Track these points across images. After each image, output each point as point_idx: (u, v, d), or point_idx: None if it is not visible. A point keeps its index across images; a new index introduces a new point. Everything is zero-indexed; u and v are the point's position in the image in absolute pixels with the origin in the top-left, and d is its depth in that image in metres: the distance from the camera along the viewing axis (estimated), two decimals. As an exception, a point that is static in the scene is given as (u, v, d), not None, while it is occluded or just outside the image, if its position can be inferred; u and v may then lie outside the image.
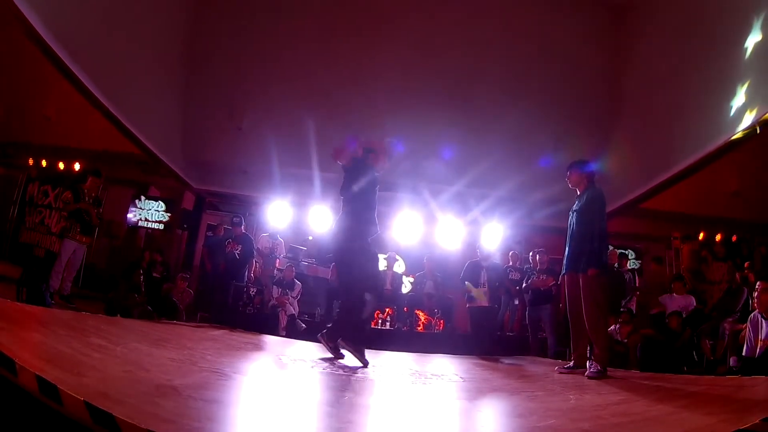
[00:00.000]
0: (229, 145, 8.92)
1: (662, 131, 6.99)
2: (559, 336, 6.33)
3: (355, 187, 4.05)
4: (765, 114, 4.96)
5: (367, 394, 2.66)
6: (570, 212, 4.32)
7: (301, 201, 8.82)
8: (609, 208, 6.41)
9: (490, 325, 6.73)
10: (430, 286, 7.91)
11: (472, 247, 7.66)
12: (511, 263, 7.58)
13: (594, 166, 4.47)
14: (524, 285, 7.01)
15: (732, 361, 5.10)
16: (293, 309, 7.33)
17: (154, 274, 7.58)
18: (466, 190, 8.63)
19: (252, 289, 7.57)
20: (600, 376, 3.72)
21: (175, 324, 6.04)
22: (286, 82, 8.52)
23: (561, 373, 4.09)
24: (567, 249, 4.25)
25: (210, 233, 9.22)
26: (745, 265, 6.82)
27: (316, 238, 9.17)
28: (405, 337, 7.07)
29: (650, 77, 7.36)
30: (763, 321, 4.68)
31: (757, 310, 4.80)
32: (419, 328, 7.76)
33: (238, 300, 7.41)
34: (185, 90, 8.66)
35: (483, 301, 6.52)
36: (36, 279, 5.73)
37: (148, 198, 9.97)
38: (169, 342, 3.69)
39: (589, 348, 4.02)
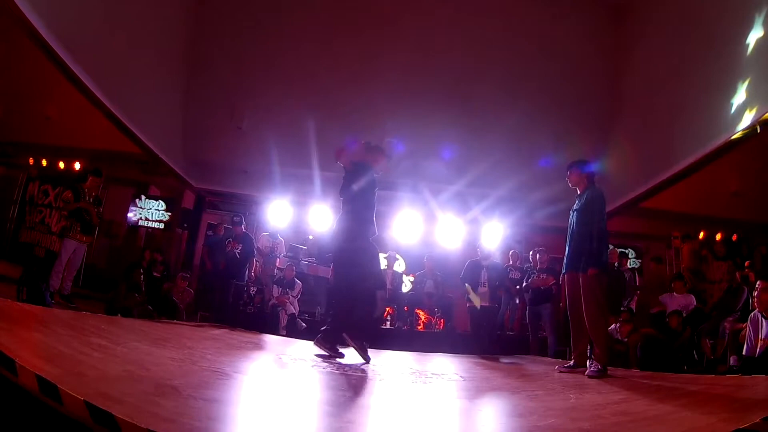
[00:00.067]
0: (229, 144, 8.93)
1: (662, 131, 6.99)
2: (560, 335, 6.33)
3: (355, 188, 4.08)
4: (765, 113, 4.96)
5: (368, 394, 2.66)
6: (570, 212, 4.32)
7: (302, 200, 8.83)
8: (609, 208, 6.43)
9: (490, 325, 6.73)
10: (430, 285, 7.91)
11: (472, 246, 7.66)
12: (511, 262, 7.58)
13: (594, 166, 4.47)
14: (524, 284, 7.01)
15: (732, 360, 5.10)
16: (293, 308, 7.33)
17: (155, 274, 7.58)
18: (466, 189, 8.64)
19: (252, 289, 7.57)
20: (600, 375, 3.72)
21: (175, 323, 6.04)
22: (286, 81, 8.53)
23: (561, 372, 4.09)
24: (567, 248, 4.25)
25: (210, 232, 9.22)
26: (746, 264, 6.82)
27: (317, 237, 9.17)
28: (405, 337, 7.07)
29: (650, 77, 7.36)
30: (764, 320, 4.67)
31: (757, 310, 4.80)
32: (419, 328, 7.77)
33: (239, 299, 7.42)
34: (186, 89, 8.68)
35: (483, 302, 6.52)
36: (36, 278, 5.73)
37: (149, 197, 9.98)
38: (170, 341, 3.69)
39: (589, 347, 4.02)
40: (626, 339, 5.95)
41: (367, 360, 3.78)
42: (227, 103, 8.75)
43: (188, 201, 10.12)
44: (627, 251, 9.10)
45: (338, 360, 3.74)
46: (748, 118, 5.22)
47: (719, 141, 5.71)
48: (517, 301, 7.62)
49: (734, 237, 8.15)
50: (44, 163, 9.27)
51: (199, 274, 8.81)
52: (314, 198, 8.64)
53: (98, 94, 6.33)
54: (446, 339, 7.23)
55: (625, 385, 3.39)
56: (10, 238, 9.00)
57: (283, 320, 7.07)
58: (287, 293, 7.37)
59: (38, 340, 2.53)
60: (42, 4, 5.09)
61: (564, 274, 4.26)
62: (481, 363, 4.93)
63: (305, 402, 2.23)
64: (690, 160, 6.29)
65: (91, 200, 6.50)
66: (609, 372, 3.82)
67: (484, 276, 6.59)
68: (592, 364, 3.85)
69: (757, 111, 5.10)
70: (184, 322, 6.47)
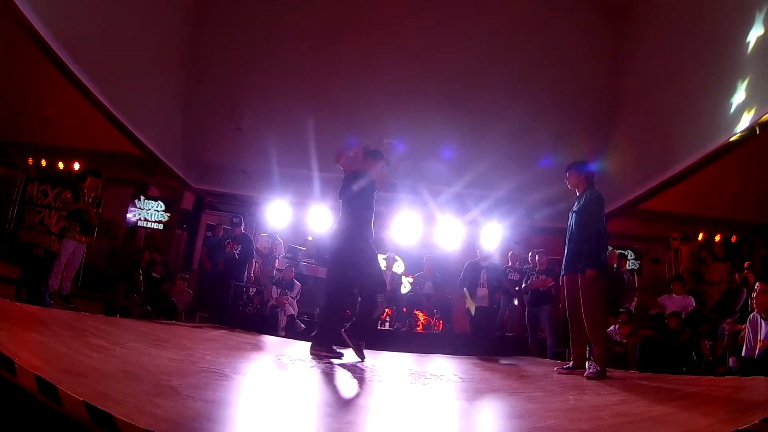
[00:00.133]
0: (228, 144, 8.93)
1: (662, 132, 6.99)
2: (559, 336, 6.33)
3: (355, 188, 4.12)
4: (764, 115, 4.97)
5: (367, 395, 2.66)
6: (569, 213, 4.33)
7: (301, 201, 8.83)
8: (608, 209, 6.43)
9: (489, 326, 6.73)
10: (429, 286, 7.90)
11: (471, 247, 7.66)
12: (510, 264, 7.57)
13: (593, 167, 4.48)
14: (523, 285, 7.00)
15: (731, 361, 5.10)
16: (292, 309, 7.32)
17: (154, 274, 7.57)
18: (465, 190, 8.64)
19: (251, 289, 7.57)
20: (599, 376, 3.72)
21: (174, 324, 6.03)
22: (286, 82, 8.53)
23: (560, 373, 4.09)
24: (566, 250, 4.26)
25: (209, 233, 9.20)
26: (745, 265, 6.82)
27: (316, 238, 9.16)
28: (404, 338, 7.06)
29: (650, 77, 7.37)
30: (762, 322, 4.68)
31: (756, 311, 4.80)
32: (418, 329, 7.76)
33: (238, 300, 7.41)
34: (185, 90, 8.68)
35: (483, 302, 6.52)
36: (35, 279, 5.73)
37: (148, 198, 9.97)
38: (169, 342, 3.69)
39: (588, 348, 4.02)
40: (625, 340, 5.94)
41: (362, 358, 3.89)
42: (227, 104, 8.74)
43: (187, 201, 10.11)
44: (626, 252, 9.09)
45: (337, 360, 3.76)
46: (747, 119, 5.22)
47: (719, 142, 5.71)
48: (516, 303, 7.62)
49: (733, 238, 8.14)
50: (43, 163, 9.25)
51: (198, 274, 8.80)
52: (313, 199, 8.63)
53: (98, 95, 6.33)
54: (445, 340, 7.23)
55: (624, 386, 3.40)
56: (9, 238, 8.99)
57: (282, 321, 7.06)
58: (286, 294, 7.36)
59: (37, 341, 2.53)
60: (42, 4, 5.09)
61: (563, 275, 4.26)
62: (480, 364, 4.93)
63: (304, 403, 2.23)
64: (690, 161, 6.30)
65: (91, 201, 6.50)
66: (608, 373, 3.82)
67: (483, 277, 6.60)
68: (591, 365, 3.86)
69: (756, 112, 5.11)
70: (183, 323, 6.47)
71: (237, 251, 7.59)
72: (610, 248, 6.71)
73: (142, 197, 9.94)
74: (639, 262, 9.78)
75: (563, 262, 4.28)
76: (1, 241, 8.96)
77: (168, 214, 9.95)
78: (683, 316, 6.16)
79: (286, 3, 8.57)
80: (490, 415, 2.50)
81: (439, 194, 8.76)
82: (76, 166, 9.13)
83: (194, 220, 10.03)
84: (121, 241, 9.92)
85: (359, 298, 4.15)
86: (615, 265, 7.10)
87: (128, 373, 2.15)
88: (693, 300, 6.54)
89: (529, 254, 7.32)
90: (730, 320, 5.65)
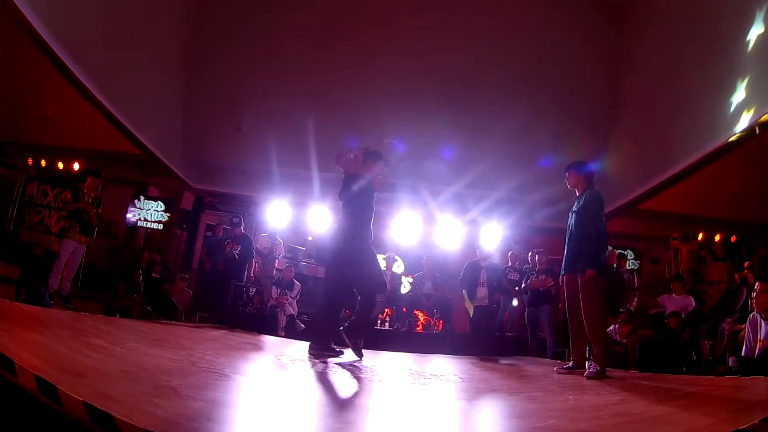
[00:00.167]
0: (228, 144, 8.93)
1: (662, 132, 6.99)
2: (558, 336, 6.33)
3: (354, 189, 4.16)
4: (764, 115, 4.97)
5: (366, 395, 2.66)
6: (569, 213, 4.33)
7: (301, 201, 8.83)
8: (608, 209, 6.43)
9: (489, 326, 6.73)
10: (429, 286, 7.91)
11: (471, 247, 7.66)
12: (510, 263, 7.57)
13: (592, 167, 4.48)
14: (523, 285, 7.00)
15: (731, 361, 5.10)
16: (292, 309, 7.32)
17: (153, 274, 7.56)
18: (465, 190, 8.64)
19: (251, 289, 7.57)
20: (599, 376, 3.72)
21: (174, 324, 6.03)
22: (286, 82, 8.52)
23: (560, 373, 4.09)
24: (566, 250, 4.26)
25: (209, 233, 9.21)
26: (745, 265, 6.82)
27: (316, 238, 9.17)
28: (404, 338, 7.06)
29: (650, 77, 7.37)
30: (762, 321, 4.68)
31: (756, 311, 4.80)
32: (418, 329, 7.76)
33: (238, 300, 7.41)
34: (185, 90, 8.68)
35: (482, 302, 6.52)
36: (35, 279, 5.73)
37: (148, 198, 9.97)
38: (168, 342, 3.69)
39: (588, 348, 4.03)
40: (625, 340, 5.95)
41: (360, 357, 3.96)
42: (226, 104, 8.74)
43: (187, 201, 10.11)
44: (626, 252, 9.10)
45: (336, 359, 3.77)
46: (747, 119, 5.22)
47: (719, 142, 5.71)
48: (516, 303, 7.62)
49: (733, 238, 8.15)
50: (43, 163, 9.25)
51: (198, 274, 8.80)
52: (313, 199, 8.63)
53: (97, 95, 6.33)
54: (445, 340, 7.23)
55: (623, 386, 3.39)
56: (9, 238, 8.99)
57: (282, 321, 7.06)
58: (286, 294, 7.36)
59: (37, 341, 2.53)
60: (42, 4, 5.09)
61: (563, 275, 4.26)
62: (480, 364, 4.93)
63: (304, 403, 2.23)
64: (689, 161, 6.30)
65: (90, 201, 6.50)
66: (608, 373, 3.82)
67: (483, 277, 6.59)
68: (590, 365, 3.86)
69: (755, 111, 5.11)
70: (183, 323, 6.47)
71: (237, 251, 7.59)
72: (609, 248, 6.71)
73: (142, 197, 9.95)
74: (639, 261, 9.79)
75: (563, 262, 4.28)
76: (1, 241, 8.96)
77: (168, 214, 9.95)
78: (683, 316, 6.16)
79: (286, 3, 8.57)
80: (490, 414, 2.50)
81: (439, 194, 8.76)
82: (76, 166, 9.13)
83: (194, 220, 10.03)
84: (120, 241, 9.92)
85: (359, 298, 4.18)
86: (615, 265, 7.11)
87: (128, 373, 2.15)
88: (693, 300, 6.54)
89: (529, 254, 7.32)
90: (729, 320, 5.65)
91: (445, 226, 8.90)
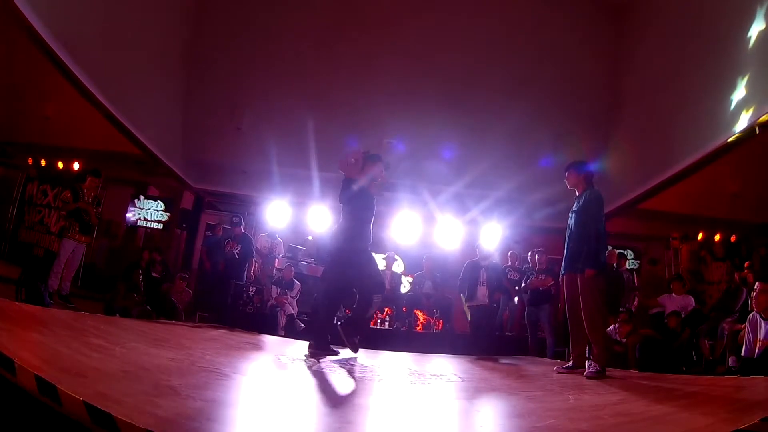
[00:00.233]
0: (228, 144, 8.93)
1: (662, 132, 6.99)
2: (558, 336, 6.33)
3: (354, 189, 4.22)
4: (763, 115, 4.97)
5: (366, 394, 2.66)
6: (569, 213, 4.33)
7: (301, 201, 8.83)
8: (608, 208, 6.43)
9: (489, 325, 6.72)
10: (429, 286, 7.90)
11: (471, 247, 7.66)
12: (510, 263, 7.57)
13: (592, 167, 4.48)
14: (523, 285, 7.00)
15: (731, 361, 5.10)
16: (292, 309, 7.32)
17: (153, 274, 7.56)
18: (465, 190, 8.64)
19: (251, 289, 7.56)
20: (599, 376, 3.72)
21: (174, 324, 6.03)
22: (286, 82, 8.52)
23: (560, 373, 4.09)
24: (566, 249, 4.26)
25: (209, 233, 9.21)
26: (745, 265, 6.83)
27: (315, 238, 9.17)
28: (404, 337, 7.06)
29: (650, 77, 7.37)
30: (762, 321, 4.68)
31: (755, 311, 4.80)
32: (418, 328, 7.76)
33: (238, 300, 7.41)
34: (185, 90, 8.67)
35: (482, 302, 6.53)
36: (35, 279, 5.73)
37: (147, 197, 9.97)
38: (168, 342, 3.69)
39: (588, 348, 4.03)
40: (625, 340, 5.95)
41: (355, 352, 4.13)
42: (226, 104, 8.74)
43: (187, 201, 10.11)
44: (626, 252, 9.10)
45: (333, 357, 3.79)
46: (747, 119, 5.22)
47: (719, 142, 5.71)
48: (516, 302, 7.62)
49: (733, 238, 8.15)
50: (43, 163, 9.25)
51: (198, 274, 8.80)
52: (313, 199, 8.64)
53: (97, 95, 6.33)
54: (445, 340, 7.23)
55: (623, 385, 3.40)
56: (9, 238, 8.99)
57: (282, 321, 7.06)
58: (286, 294, 7.36)
59: (37, 341, 2.53)
60: (42, 4, 5.09)
61: (563, 275, 4.27)
62: (480, 364, 4.93)
63: (304, 402, 2.23)
64: (689, 161, 6.30)
65: (90, 200, 6.50)
66: (607, 373, 3.82)
67: (482, 276, 6.59)
68: (590, 364, 3.86)
69: (755, 111, 5.11)
70: (183, 323, 6.46)
71: (237, 251, 7.59)
72: (609, 248, 6.71)
73: (142, 197, 9.95)
74: (638, 261, 9.79)
75: (563, 262, 4.28)
76: (1, 240, 8.96)
77: (168, 214, 9.95)
78: (683, 316, 6.16)
79: (286, 3, 8.56)
80: (489, 414, 2.51)
81: (439, 194, 8.76)
82: (76, 165, 9.13)
83: (194, 220, 10.03)
84: (120, 241, 9.92)
85: (357, 297, 4.24)
86: (615, 265, 7.11)
87: (128, 372, 2.15)
88: (693, 299, 6.54)
89: (529, 254, 7.32)
90: (729, 320, 5.65)
91: (444, 226, 8.90)
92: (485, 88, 8.40)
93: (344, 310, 5.02)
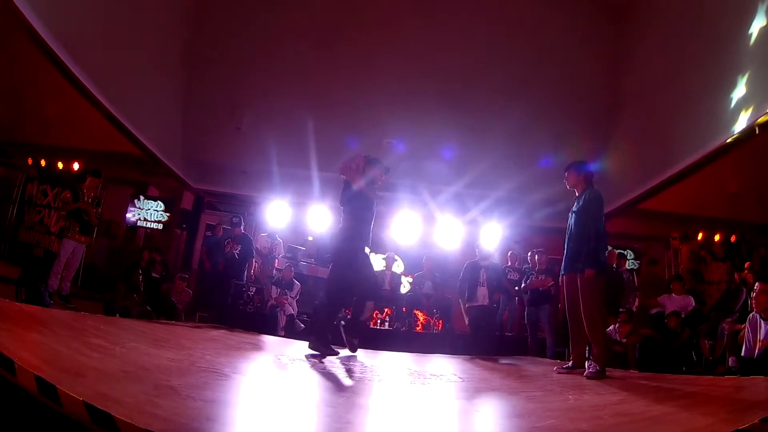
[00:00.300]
0: (228, 144, 8.93)
1: (662, 132, 6.99)
2: (558, 336, 6.33)
3: (354, 189, 4.26)
4: (763, 114, 4.97)
5: (366, 394, 2.66)
6: (569, 213, 4.33)
7: (301, 201, 8.83)
8: (608, 208, 6.43)
9: (489, 326, 6.72)
10: (429, 286, 7.90)
11: (471, 247, 7.66)
12: (509, 263, 7.57)
13: (591, 167, 4.48)
14: (523, 285, 7.00)
15: (731, 361, 5.10)
16: (292, 309, 7.33)
17: (153, 274, 7.57)
18: (465, 190, 8.64)
19: (251, 289, 7.57)
20: (599, 376, 3.72)
21: (173, 324, 6.03)
22: (286, 82, 8.52)
23: (560, 373, 4.09)
24: (566, 250, 4.26)
25: (209, 233, 9.21)
26: (746, 265, 6.83)
27: (315, 238, 9.17)
28: (404, 337, 7.06)
29: (650, 77, 7.37)
30: (762, 321, 4.68)
31: (755, 311, 4.80)
32: (418, 328, 7.76)
33: (238, 300, 7.41)
34: (185, 90, 8.67)
35: (483, 301, 6.53)
36: (35, 279, 5.73)
37: (147, 198, 9.97)
38: (168, 342, 3.69)
39: (587, 348, 4.03)
40: (625, 340, 5.94)
41: (353, 352, 4.22)
42: (226, 104, 8.74)
43: (187, 201, 10.11)
44: (625, 252, 9.10)
45: (335, 359, 3.79)
46: (747, 119, 5.22)
47: (719, 142, 5.71)
48: (516, 302, 7.62)
49: (733, 238, 8.15)
50: (43, 163, 9.25)
51: (198, 274, 8.80)
52: (313, 199, 8.64)
53: (97, 95, 6.33)
54: (445, 340, 7.23)
55: (623, 386, 3.40)
56: (8, 238, 8.99)
57: (282, 321, 7.06)
58: (286, 294, 7.36)
59: (37, 341, 2.53)
60: (42, 4, 5.09)
61: (563, 275, 4.27)
62: (480, 364, 4.93)
63: (304, 403, 2.23)
64: (689, 161, 6.30)
65: (90, 200, 6.50)
66: (607, 373, 3.82)
67: (482, 277, 6.59)
68: (590, 365, 3.85)
69: (755, 110, 5.11)
70: (183, 323, 6.47)
71: (237, 251, 7.59)
72: (609, 248, 6.71)
73: (142, 197, 9.95)
74: (638, 261, 9.79)
75: (563, 262, 4.28)
76: (1, 240, 8.96)
77: (167, 214, 9.95)
78: (683, 316, 6.16)
79: (286, 3, 8.56)
80: (489, 414, 2.51)
81: (439, 194, 8.76)
82: (76, 166, 9.13)
83: (194, 220, 10.03)
84: (120, 241, 9.92)
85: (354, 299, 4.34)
86: (614, 265, 7.11)
87: (128, 373, 2.15)
88: (692, 299, 6.54)
89: (529, 254, 7.32)
90: (729, 320, 5.65)
91: (444, 226, 8.91)
92: (485, 88, 8.40)
93: (344, 311, 5.03)
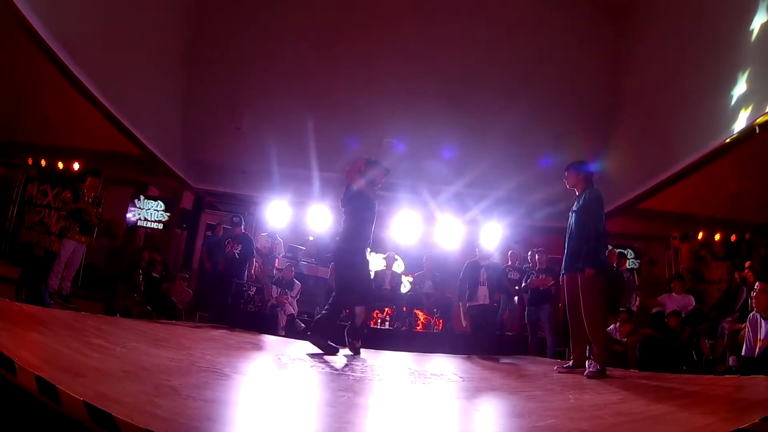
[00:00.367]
0: (228, 144, 8.93)
1: (662, 132, 6.99)
2: (558, 336, 6.33)
3: (354, 189, 4.31)
4: (763, 114, 4.97)
5: (366, 394, 2.66)
6: (569, 213, 4.33)
7: (301, 201, 8.83)
8: (608, 208, 6.42)
9: (489, 325, 6.72)
10: (429, 285, 7.90)
11: (471, 246, 7.66)
12: (510, 263, 7.57)
13: (591, 167, 4.48)
14: (523, 285, 7.00)
15: (731, 360, 5.10)
16: (292, 309, 7.33)
17: (153, 274, 7.56)
18: (465, 190, 8.64)
19: (251, 289, 7.57)
20: (599, 375, 3.72)
21: (174, 324, 6.03)
22: (286, 82, 8.53)
23: (560, 372, 4.09)
24: (566, 249, 4.26)
25: (209, 233, 9.21)
26: (746, 265, 6.83)
27: (316, 237, 9.17)
28: (404, 337, 7.07)
29: (650, 77, 7.37)
30: (762, 321, 4.68)
31: (755, 310, 4.80)
32: (418, 328, 7.76)
33: (238, 299, 7.41)
34: (185, 90, 8.67)
35: (483, 301, 6.53)
36: (35, 279, 5.73)
37: (148, 197, 9.97)
38: (168, 342, 3.70)
39: (588, 347, 4.03)
40: (625, 339, 5.94)
41: (355, 354, 4.24)
42: (226, 104, 8.74)
43: (187, 201, 10.11)
44: (626, 252, 9.10)
45: (335, 359, 3.80)
46: (746, 119, 5.22)
47: (719, 142, 5.72)
48: (516, 302, 7.62)
49: (733, 237, 8.14)
50: (43, 163, 9.25)
51: (198, 274, 8.80)
52: (313, 198, 8.64)
53: (97, 95, 6.34)
54: (445, 339, 7.23)
55: (623, 385, 3.39)
56: (9, 238, 8.99)
57: (282, 321, 7.07)
58: (286, 294, 7.36)
59: (37, 341, 2.53)
60: (42, 4, 5.09)
61: (563, 274, 4.27)
62: (480, 363, 4.93)
63: (304, 402, 2.23)
64: (689, 160, 6.30)
65: (90, 200, 6.50)
66: (608, 372, 3.82)
67: (483, 276, 6.59)
68: (590, 364, 3.86)
69: (754, 109, 5.10)
70: (183, 323, 6.47)
71: (237, 251, 7.59)
72: (609, 247, 6.71)
73: (142, 197, 9.95)
74: (639, 261, 9.78)
75: (563, 262, 4.28)
76: (1, 240, 8.96)
77: (168, 214, 9.95)
78: (683, 315, 6.16)
79: (286, 3, 8.56)
80: (490, 414, 2.51)
81: (439, 194, 8.77)
82: (76, 166, 9.13)
83: (194, 220, 10.03)
84: (120, 241, 9.92)
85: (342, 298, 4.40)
86: (615, 264, 7.11)
87: (128, 372, 2.16)
88: (693, 299, 6.54)
89: (529, 253, 7.32)
90: (729, 319, 5.65)
91: (445, 226, 8.91)
92: (485, 88, 8.40)
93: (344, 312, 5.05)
